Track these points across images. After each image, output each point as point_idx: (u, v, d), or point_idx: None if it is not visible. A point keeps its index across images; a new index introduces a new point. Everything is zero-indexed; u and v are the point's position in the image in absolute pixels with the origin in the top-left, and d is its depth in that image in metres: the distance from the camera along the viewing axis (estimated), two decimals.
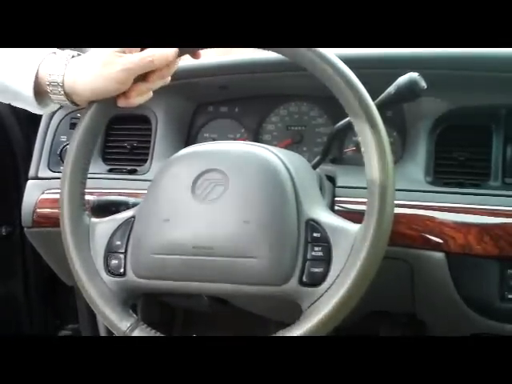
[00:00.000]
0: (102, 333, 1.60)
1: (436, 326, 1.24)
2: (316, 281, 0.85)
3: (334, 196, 1.13)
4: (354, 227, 0.85)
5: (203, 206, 0.89)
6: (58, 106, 0.96)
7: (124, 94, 0.90)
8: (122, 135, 1.39)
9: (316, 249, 0.86)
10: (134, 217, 0.94)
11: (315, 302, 0.84)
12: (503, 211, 1.06)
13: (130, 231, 0.93)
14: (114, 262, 0.93)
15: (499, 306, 1.08)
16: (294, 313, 0.86)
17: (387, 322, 1.52)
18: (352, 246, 0.83)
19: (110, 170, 1.36)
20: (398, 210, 1.07)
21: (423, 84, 0.98)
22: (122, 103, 0.91)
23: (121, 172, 1.35)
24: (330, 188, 1.13)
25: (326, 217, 0.88)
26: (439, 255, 1.08)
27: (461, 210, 1.07)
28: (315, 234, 0.87)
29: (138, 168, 1.34)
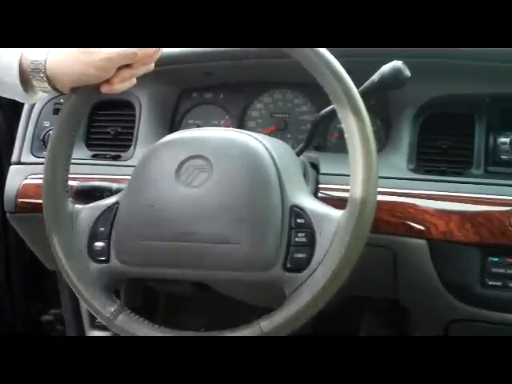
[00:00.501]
0: (85, 318, 1.60)
1: (418, 311, 1.25)
2: (299, 266, 0.85)
3: (318, 183, 1.13)
4: (337, 213, 0.85)
5: (187, 192, 0.89)
6: (45, 94, 0.95)
7: (107, 80, 0.89)
8: (105, 121, 1.39)
9: (300, 235, 0.86)
10: (117, 203, 0.94)
11: (298, 287, 0.84)
12: (485, 199, 1.07)
13: (114, 217, 0.93)
14: (98, 248, 0.92)
15: (480, 292, 1.09)
16: (277, 298, 0.87)
17: (370, 308, 1.54)
18: (335, 232, 0.84)
19: (94, 156, 1.36)
20: (380, 198, 1.07)
21: (407, 72, 0.98)
22: (105, 89, 0.90)
23: (104, 158, 1.34)
24: (313, 175, 1.13)
25: (309, 203, 0.89)
26: (421, 242, 1.09)
27: (443, 198, 1.08)
28: (299, 220, 0.87)
29: (121, 154, 1.34)
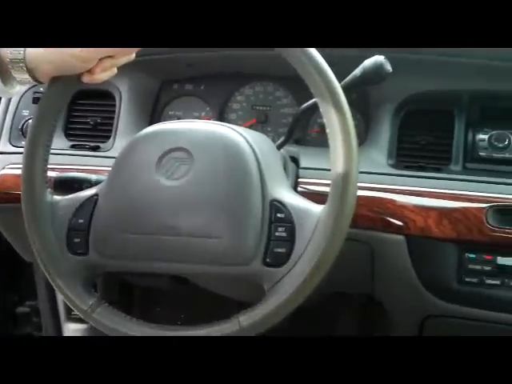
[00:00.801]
0: (61, 310, 1.59)
1: (394, 307, 1.26)
2: (279, 261, 0.85)
3: (298, 177, 1.13)
4: (317, 208, 0.85)
5: (167, 185, 0.88)
6: (24, 88, 0.94)
7: (89, 70, 0.88)
8: (85, 111, 1.38)
9: (280, 229, 0.86)
10: (97, 195, 0.93)
11: (278, 282, 0.84)
12: (463, 195, 1.08)
13: (93, 209, 0.92)
14: (76, 240, 0.92)
15: (456, 288, 1.10)
16: (257, 293, 0.87)
17: (346, 303, 1.54)
18: (315, 226, 0.84)
19: (73, 146, 1.35)
20: (360, 193, 1.06)
21: (389, 67, 0.98)
22: (86, 79, 0.89)
23: (83, 148, 1.33)
24: (293, 169, 1.13)
25: (290, 197, 0.89)
26: (399, 238, 1.10)
27: (421, 194, 1.09)
28: (279, 215, 0.87)
29: (100, 144, 1.33)
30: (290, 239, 0.85)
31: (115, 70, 0.92)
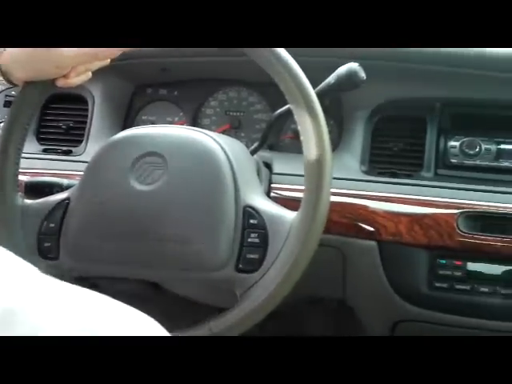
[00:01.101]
0: None
1: (365, 312, 1.26)
2: (251, 267, 0.86)
3: (271, 182, 1.14)
4: (290, 215, 0.86)
5: (141, 190, 0.88)
6: None
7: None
8: (57, 115, 1.37)
9: (252, 235, 0.87)
10: (68, 199, 0.93)
11: (250, 288, 0.85)
12: (434, 202, 1.09)
13: (65, 213, 0.92)
14: (47, 244, 0.91)
15: (427, 293, 1.11)
16: (230, 298, 0.87)
17: (318, 307, 1.55)
18: (288, 233, 0.84)
19: (45, 151, 1.34)
20: (332, 199, 1.07)
21: (363, 74, 0.99)
22: (60, 83, 0.89)
23: (55, 152, 1.32)
24: (266, 174, 1.14)
25: (263, 204, 0.89)
26: (371, 243, 1.10)
27: (393, 200, 1.10)
28: (252, 221, 0.87)
29: (73, 149, 1.32)
30: (263, 245, 0.86)
31: (90, 74, 0.92)
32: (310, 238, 0.82)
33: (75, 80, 0.89)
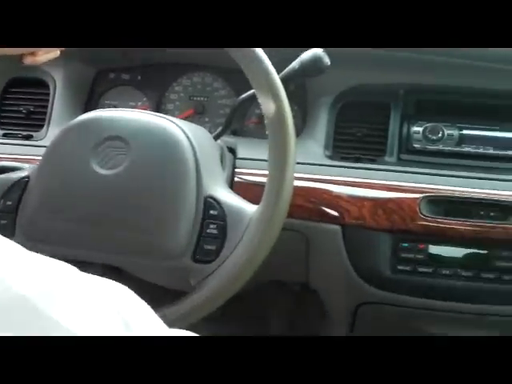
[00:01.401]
0: None
1: (328, 295, 1.27)
2: (208, 258, 0.86)
3: (235, 167, 1.13)
4: (251, 208, 0.86)
5: (102, 174, 0.87)
6: None
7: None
8: (18, 99, 1.34)
9: (211, 226, 0.86)
10: (28, 177, 0.91)
11: (205, 278, 0.85)
12: (397, 186, 1.10)
13: (23, 192, 0.90)
14: (3, 221, 0.90)
15: (390, 277, 1.12)
16: (189, 284, 0.87)
17: (281, 291, 1.55)
18: (247, 225, 0.84)
19: (5, 135, 1.31)
20: (296, 183, 1.08)
21: (327, 60, 0.99)
22: (28, 61, 0.87)
23: (16, 137, 1.30)
24: (230, 159, 1.13)
25: (224, 195, 0.89)
26: (334, 227, 1.11)
27: (357, 184, 1.10)
28: (212, 212, 0.87)
29: (34, 134, 1.30)
30: (221, 237, 0.86)
31: (58, 53, 0.90)
32: (269, 231, 0.82)
33: (43, 58, 0.87)
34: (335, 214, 1.09)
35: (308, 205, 1.11)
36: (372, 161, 1.15)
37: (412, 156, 1.16)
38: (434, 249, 1.11)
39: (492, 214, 1.07)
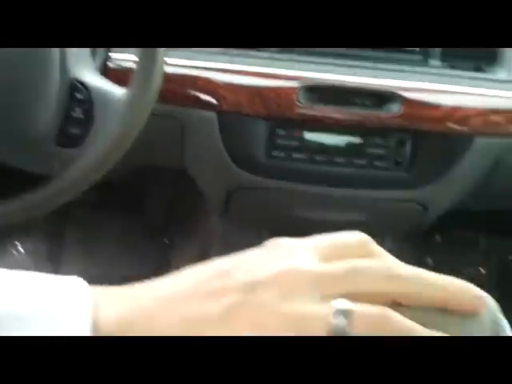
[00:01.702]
0: None
1: (204, 181, 1.26)
2: (73, 142, 0.83)
3: (108, 52, 1.06)
4: (120, 91, 0.82)
5: None
6: None
7: None
8: None
9: (77, 110, 0.83)
10: None
11: (70, 162, 0.81)
12: (275, 74, 1.07)
13: None
14: None
15: (265, 162, 1.12)
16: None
17: (158, 177, 1.53)
18: (115, 109, 0.80)
19: None
20: (172, 70, 1.04)
21: None
22: None
23: None
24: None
25: (92, 78, 0.84)
26: (210, 114, 1.08)
27: (234, 72, 1.06)
28: (78, 95, 0.83)
29: None
30: (87, 121, 0.82)
31: None
32: (139, 110, 0.79)
33: None
34: (211, 100, 1.06)
35: (183, 91, 1.06)
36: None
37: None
38: (309, 135, 1.11)
39: (367, 102, 1.07)
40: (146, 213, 1.76)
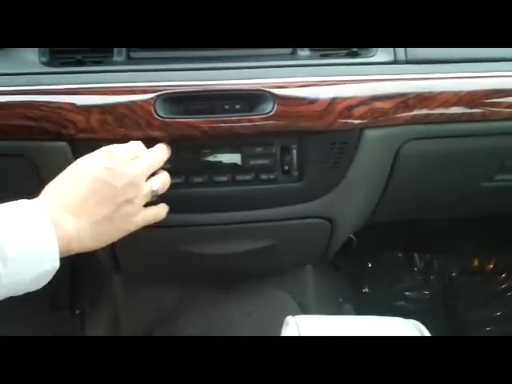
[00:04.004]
0: None
1: None
2: None
3: None
4: None
5: None
6: None
7: None
8: None
9: None
10: None
11: None
12: (126, 88, 0.94)
13: None
14: None
15: None
16: None
17: None
18: None
19: None
20: (7, 98, 0.91)
21: None
22: None
23: None
24: None
25: None
26: (61, 144, 0.94)
27: (80, 91, 0.93)
28: None
29: None
30: None
31: None
32: None
33: None
34: (57, 128, 0.92)
35: (25, 122, 0.92)
36: (98, 63, 0.98)
37: (143, 53, 1.00)
38: (180, 155, 0.98)
39: (237, 106, 0.95)
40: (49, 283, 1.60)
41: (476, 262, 1.79)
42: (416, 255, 1.76)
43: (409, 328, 0.67)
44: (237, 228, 1.08)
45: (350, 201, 1.08)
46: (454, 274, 1.77)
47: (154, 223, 0.93)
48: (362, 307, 1.59)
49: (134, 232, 0.89)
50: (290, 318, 0.73)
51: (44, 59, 0.97)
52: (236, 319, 1.42)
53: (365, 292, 1.72)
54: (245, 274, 1.38)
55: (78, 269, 1.62)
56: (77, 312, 1.59)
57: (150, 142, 0.94)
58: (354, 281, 1.71)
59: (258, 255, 1.13)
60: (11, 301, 1.49)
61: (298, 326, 0.70)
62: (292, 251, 1.20)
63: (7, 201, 0.76)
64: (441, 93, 0.98)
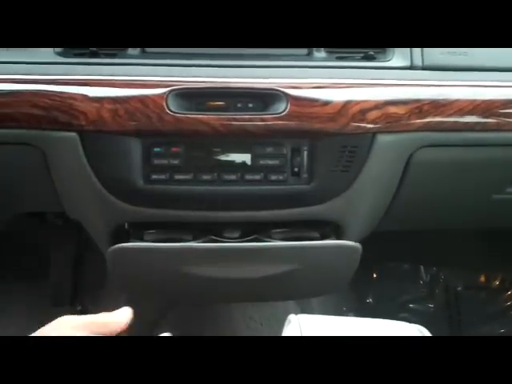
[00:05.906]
0: None
1: (86, 220, 1.10)
2: None
3: None
4: None
5: None
6: None
7: None
8: None
9: None
10: None
11: None
12: (140, 81, 0.93)
13: None
14: None
15: (143, 188, 0.97)
16: None
17: (44, 226, 1.38)
18: None
19: None
20: (19, 87, 0.91)
21: None
22: None
23: None
24: None
25: None
26: (71, 135, 0.94)
27: (93, 83, 0.93)
28: None
29: None
30: None
31: None
32: None
33: None
34: (69, 118, 0.92)
35: (37, 111, 0.92)
36: (112, 55, 0.98)
37: (158, 48, 0.99)
38: (190, 151, 0.97)
39: (250, 105, 0.94)
40: (51, 279, 1.59)
41: (482, 278, 1.77)
42: (422, 267, 1.74)
43: (412, 331, 0.66)
44: (262, 249, 1.05)
45: (358, 206, 1.07)
46: (459, 289, 1.75)
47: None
48: (366, 317, 1.57)
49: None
50: (292, 317, 0.72)
51: (58, 49, 0.97)
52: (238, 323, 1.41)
53: (369, 302, 1.70)
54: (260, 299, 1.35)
55: (79, 266, 1.61)
56: (78, 309, 1.58)
57: (160, 137, 0.94)
58: (358, 291, 1.69)
59: (280, 280, 1.09)
60: (12, 297, 1.50)
61: (300, 324, 0.69)
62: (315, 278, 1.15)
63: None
64: (456, 100, 0.97)
